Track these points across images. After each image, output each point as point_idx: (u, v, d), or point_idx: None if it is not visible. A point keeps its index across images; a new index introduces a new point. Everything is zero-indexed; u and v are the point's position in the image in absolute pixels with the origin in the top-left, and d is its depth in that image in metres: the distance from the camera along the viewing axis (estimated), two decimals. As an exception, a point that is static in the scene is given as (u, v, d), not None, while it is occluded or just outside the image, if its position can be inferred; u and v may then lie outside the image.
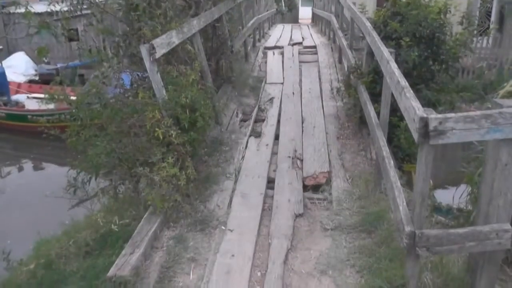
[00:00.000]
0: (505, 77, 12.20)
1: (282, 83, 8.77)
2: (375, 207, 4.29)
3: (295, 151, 5.80)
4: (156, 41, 4.66)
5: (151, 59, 4.56)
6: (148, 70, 4.62)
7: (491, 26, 14.64)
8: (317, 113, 7.10)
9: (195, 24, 5.97)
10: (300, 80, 8.97)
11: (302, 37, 14.29)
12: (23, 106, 13.04)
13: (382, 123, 4.45)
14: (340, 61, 9.88)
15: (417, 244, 2.86)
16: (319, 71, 9.55)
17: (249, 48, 11.15)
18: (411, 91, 3.09)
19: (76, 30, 16.49)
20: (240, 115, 7.11)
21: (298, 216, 4.39)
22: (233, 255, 3.76)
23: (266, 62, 10.59)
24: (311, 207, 4.61)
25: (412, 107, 2.81)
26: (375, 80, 5.66)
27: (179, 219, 4.25)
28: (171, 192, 4.17)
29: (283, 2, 20.58)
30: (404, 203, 3.16)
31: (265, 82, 8.87)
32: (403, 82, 3.29)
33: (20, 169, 11.07)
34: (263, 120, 6.96)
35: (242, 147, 5.92)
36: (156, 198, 4.05)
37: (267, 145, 6.00)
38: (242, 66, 9.68)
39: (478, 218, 3.02)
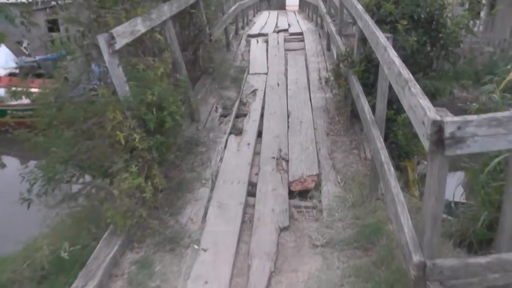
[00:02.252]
0: (498, 61, 11.73)
1: (266, 73, 8.13)
2: (371, 217, 3.72)
3: (280, 150, 5.19)
4: (117, 30, 3.99)
5: (110, 50, 3.90)
6: (107, 63, 3.95)
7: (482, 9, 14.11)
8: (304, 106, 6.49)
9: (166, 10, 5.31)
10: (286, 70, 8.34)
11: (288, 24, 13.69)
12: (3, 101, 12.32)
13: (378, 119, 3.85)
14: (329, 49, 9.26)
15: (428, 277, 2.30)
16: (306, 60, 8.94)
17: (231, 36, 10.51)
18: (417, 85, 2.51)
19: (57, 20, 15.70)
20: (220, 110, 6.45)
21: (283, 229, 3.81)
22: (206, 282, 3.18)
23: (249, 51, 9.94)
24: (298, 217, 4.02)
25: (421, 106, 2.23)
26: (368, 69, 5.10)
27: (145, 238, 3.62)
28: (134, 207, 3.55)
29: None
30: (410, 223, 2.59)
31: (248, 73, 8.22)
32: (406, 74, 2.70)
33: (2, 166, 10.38)
34: (245, 115, 6.33)
35: (221, 147, 5.28)
36: (117, 215, 3.44)
37: (248, 144, 5.37)
38: (224, 55, 9.02)
39: (501, 242, 2.46)
